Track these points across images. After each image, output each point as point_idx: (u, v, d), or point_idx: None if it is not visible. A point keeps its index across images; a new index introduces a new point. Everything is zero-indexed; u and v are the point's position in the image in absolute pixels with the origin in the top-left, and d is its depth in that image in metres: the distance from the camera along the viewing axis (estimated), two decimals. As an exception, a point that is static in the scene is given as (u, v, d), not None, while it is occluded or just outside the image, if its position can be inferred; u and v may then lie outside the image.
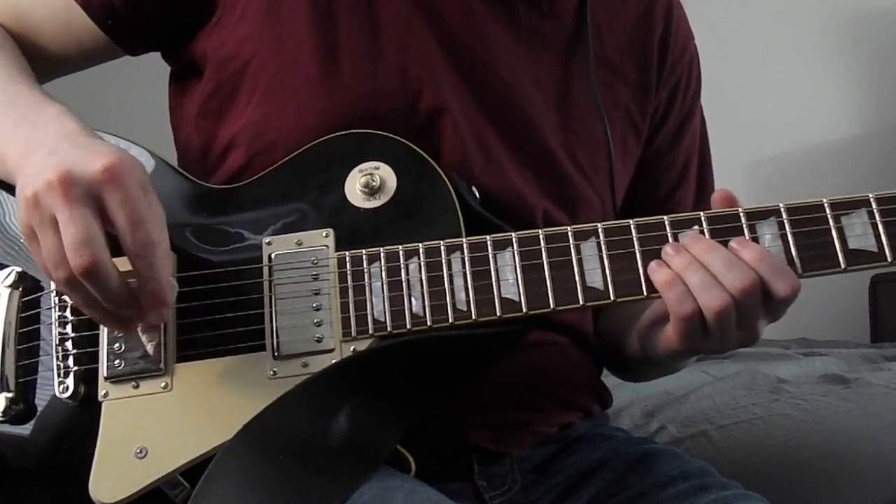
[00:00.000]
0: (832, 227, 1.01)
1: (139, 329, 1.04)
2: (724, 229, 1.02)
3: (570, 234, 1.04)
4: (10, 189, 1.01)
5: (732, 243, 1.00)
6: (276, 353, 1.04)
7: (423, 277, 1.04)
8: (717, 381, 2.09)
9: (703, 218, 1.03)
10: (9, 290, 1.10)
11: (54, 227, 0.92)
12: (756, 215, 1.03)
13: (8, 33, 1.22)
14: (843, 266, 1.01)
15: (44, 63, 1.22)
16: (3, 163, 1.03)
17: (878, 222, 1.01)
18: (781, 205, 1.03)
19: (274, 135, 1.13)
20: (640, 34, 1.30)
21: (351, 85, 1.13)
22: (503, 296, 1.03)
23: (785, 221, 1.02)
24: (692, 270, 0.99)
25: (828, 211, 1.02)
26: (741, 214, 1.03)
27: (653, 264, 1.01)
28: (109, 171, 0.91)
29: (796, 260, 1.01)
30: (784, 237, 1.02)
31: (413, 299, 1.04)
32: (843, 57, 3.84)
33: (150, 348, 1.05)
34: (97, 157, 0.92)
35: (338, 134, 1.11)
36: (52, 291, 1.09)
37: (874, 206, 1.02)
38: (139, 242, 0.92)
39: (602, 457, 1.24)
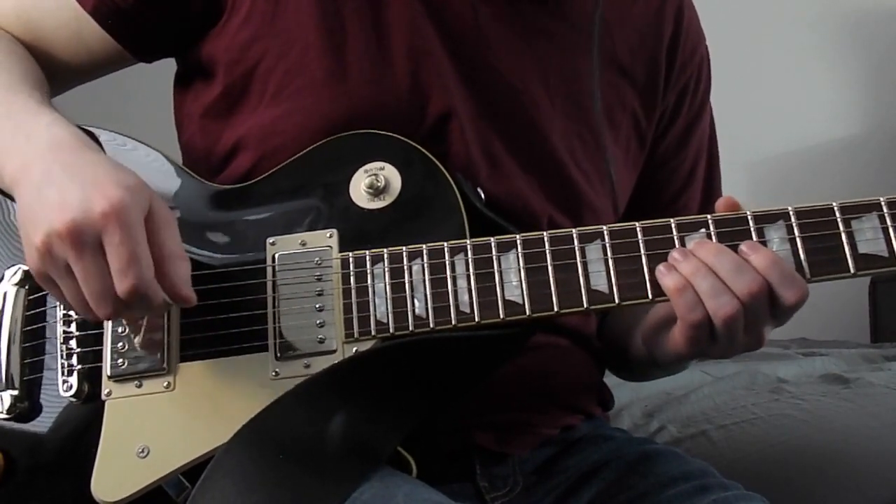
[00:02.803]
0: (842, 232, 1.00)
1: (141, 327, 1.05)
2: (732, 233, 1.01)
3: (574, 236, 1.03)
4: (11, 197, 1.02)
5: (743, 247, 1.00)
6: (278, 354, 1.05)
7: (427, 279, 1.04)
8: (717, 381, 2.09)
9: (710, 221, 1.02)
10: (15, 289, 1.11)
11: (71, 276, 0.95)
12: (764, 219, 1.02)
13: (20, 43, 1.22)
14: (852, 271, 0.99)
15: (57, 74, 1.22)
16: (0, 176, 1.04)
17: (890, 226, 1.00)
18: (790, 208, 1.02)
19: (281, 138, 1.13)
20: (651, 35, 1.29)
21: (358, 89, 1.13)
22: (507, 298, 1.02)
23: (794, 225, 1.01)
24: (701, 276, 0.98)
25: (837, 215, 1.00)
26: (749, 218, 1.02)
27: (661, 268, 1.01)
28: (108, 215, 0.92)
29: (804, 264, 1.00)
30: (792, 241, 1.00)
31: (416, 301, 1.04)
32: (842, 57, 3.84)
33: (147, 344, 1.06)
34: (97, 198, 0.93)
35: (343, 134, 1.11)
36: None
37: (885, 209, 1.00)
38: (125, 289, 0.93)
39: (603, 457, 1.24)
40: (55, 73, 1.21)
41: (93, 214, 0.92)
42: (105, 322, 1.07)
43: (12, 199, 1.03)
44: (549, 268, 1.03)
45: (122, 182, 0.95)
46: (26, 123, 1.04)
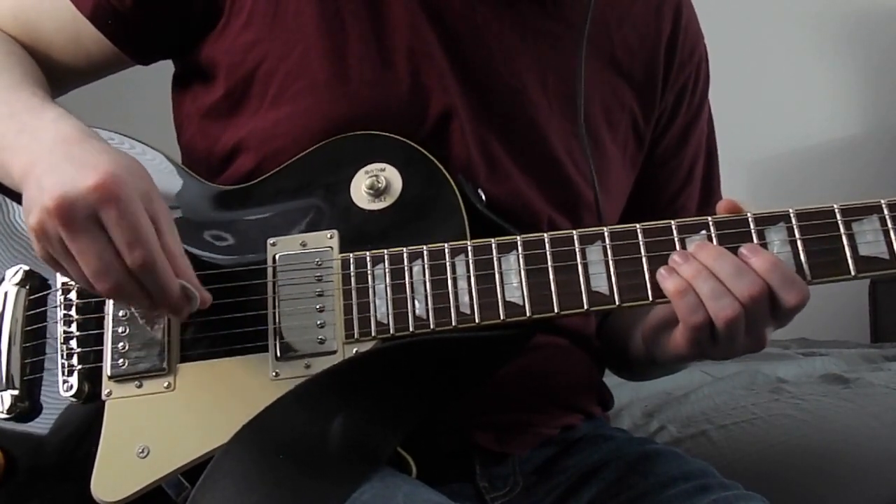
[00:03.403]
0: (843, 234, 1.00)
1: (143, 319, 1.06)
2: (733, 234, 1.01)
3: (575, 237, 1.03)
4: (18, 197, 1.02)
5: (743, 249, 0.99)
6: (278, 354, 1.05)
7: (427, 280, 1.04)
8: (717, 381, 2.09)
9: (710, 223, 1.02)
10: (16, 288, 1.11)
11: (70, 256, 0.94)
12: (765, 221, 1.01)
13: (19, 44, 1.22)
14: (853, 273, 0.99)
15: (56, 76, 1.22)
16: (9, 175, 1.04)
17: (890, 229, 0.99)
18: (791, 210, 1.01)
19: (282, 140, 1.13)
20: (649, 35, 1.29)
21: (359, 90, 1.13)
22: (507, 299, 1.02)
23: (794, 227, 1.01)
24: (702, 279, 0.98)
25: (838, 217, 1.00)
26: (750, 220, 1.02)
27: (662, 271, 1.00)
28: (101, 187, 0.92)
29: (805, 266, 1.00)
30: (793, 243, 1.00)
31: (416, 302, 1.04)
32: (842, 57, 3.84)
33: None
34: (89, 173, 0.92)
35: (344, 135, 1.11)
36: (58, 290, 1.10)
37: (886, 212, 1.00)
38: (136, 262, 0.93)
39: (603, 457, 1.24)
40: (54, 75, 1.21)
41: (81, 188, 0.92)
42: (105, 322, 1.07)
43: (17, 201, 1.03)
44: (550, 269, 1.03)
45: (118, 162, 0.95)
46: (31, 121, 1.04)
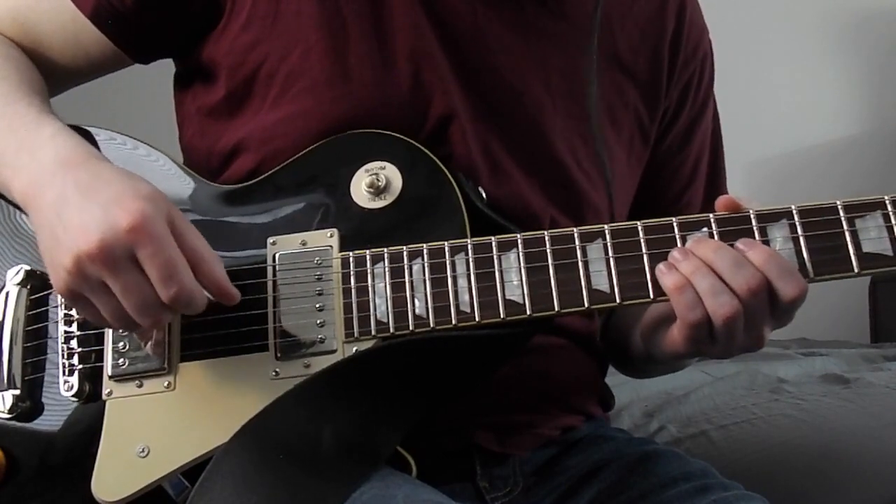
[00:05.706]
0: (846, 230, 0.99)
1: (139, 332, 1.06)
2: (735, 232, 1.01)
3: (576, 235, 1.03)
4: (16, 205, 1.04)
5: (739, 244, 0.99)
6: (278, 354, 1.05)
7: (427, 278, 1.04)
8: (717, 381, 2.09)
9: (712, 220, 1.02)
10: (17, 288, 1.11)
11: (108, 292, 0.96)
12: (767, 217, 1.01)
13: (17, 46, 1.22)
14: (856, 270, 0.99)
15: (55, 76, 1.22)
16: (8, 192, 1.05)
17: (894, 225, 0.99)
18: (793, 207, 1.01)
19: (282, 141, 1.13)
20: (653, 31, 1.29)
21: (360, 91, 1.13)
22: (507, 298, 1.02)
23: (797, 224, 1.00)
24: (701, 275, 0.98)
25: (841, 213, 0.99)
26: (752, 216, 1.01)
27: (661, 266, 1.00)
28: (136, 228, 0.93)
29: (808, 263, 0.99)
30: (796, 240, 1.00)
31: (416, 300, 1.03)
32: (843, 57, 3.84)
33: (149, 348, 1.06)
34: (120, 214, 0.94)
35: (344, 134, 1.11)
36: (58, 290, 1.10)
37: (890, 208, 0.99)
38: (171, 297, 0.95)
39: (603, 458, 1.23)
40: (53, 75, 1.22)
41: (119, 231, 0.93)
42: None
43: (15, 205, 1.04)
44: (550, 267, 1.02)
45: (139, 194, 0.96)
46: (29, 137, 1.05)
